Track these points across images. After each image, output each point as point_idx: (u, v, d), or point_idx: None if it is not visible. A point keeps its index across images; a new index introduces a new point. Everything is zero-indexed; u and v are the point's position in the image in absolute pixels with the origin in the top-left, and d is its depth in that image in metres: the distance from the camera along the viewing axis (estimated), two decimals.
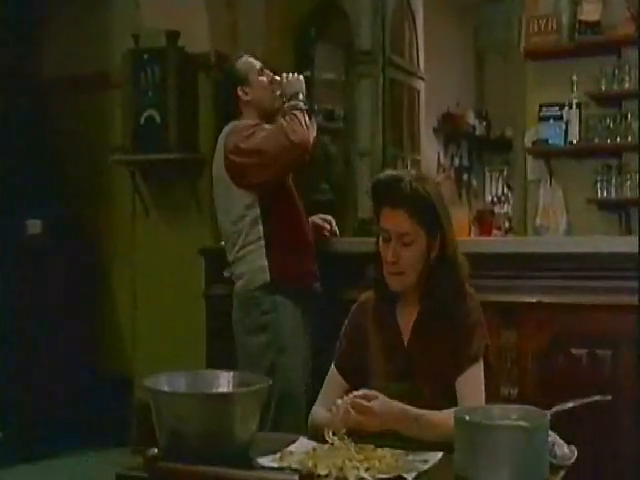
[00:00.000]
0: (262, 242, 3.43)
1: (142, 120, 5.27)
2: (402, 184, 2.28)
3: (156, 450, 1.94)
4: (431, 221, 2.31)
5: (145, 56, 5.31)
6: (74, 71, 5.85)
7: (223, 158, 3.46)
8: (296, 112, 3.39)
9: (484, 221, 7.27)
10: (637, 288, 3.17)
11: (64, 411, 5.47)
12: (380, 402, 2.16)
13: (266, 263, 3.42)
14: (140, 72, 5.29)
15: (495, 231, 7.32)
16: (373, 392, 2.20)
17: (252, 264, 3.45)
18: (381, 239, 2.34)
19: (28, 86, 5.88)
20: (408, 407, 2.19)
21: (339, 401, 2.20)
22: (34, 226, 5.55)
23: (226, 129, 3.54)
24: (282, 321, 3.39)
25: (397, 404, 2.18)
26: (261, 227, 3.43)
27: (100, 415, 5.51)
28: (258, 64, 3.63)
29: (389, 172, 2.39)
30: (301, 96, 3.46)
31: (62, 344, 5.55)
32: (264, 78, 3.58)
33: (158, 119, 5.24)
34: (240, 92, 3.55)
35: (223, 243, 3.64)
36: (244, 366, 3.36)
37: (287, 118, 3.38)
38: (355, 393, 2.20)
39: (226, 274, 3.65)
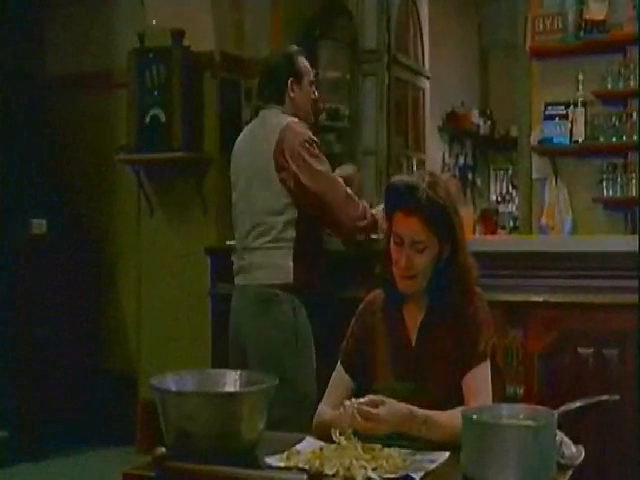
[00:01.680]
0: (292, 244, 3.36)
1: (147, 119, 5.27)
2: (418, 192, 2.26)
3: (164, 449, 1.95)
4: (444, 227, 2.31)
5: (150, 55, 5.30)
6: (79, 70, 5.87)
7: (273, 148, 3.35)
8: (377, 220, 3.38)
9: (489, 220, 7.29)
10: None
11: (68, 410, 5.48)
12: (387, 408, 2.15)
13: (291, 264, 3.35)
14: (145, 71, 5.29)
15: (500, 230, 7.34)
16: (379, 397, 2.18)
17: (278, 260, 3.37)
18: (392, 242, 2.34)
19: (32, 85, 5.89)
20: (415, 408, 2.18)
21: (347, 402, 2.19)
22: (39, 226, 5.55)
23: (275, 117, 3.44)
24: (300, 322, 3.37)
25: (404, 406, 2.17)
26: (294, 230, 3.36)
27: (104, 414, 5.53)
28: (313, 74, 3.61)
29: (403, 178, 2.36)
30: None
31: (66, 343, 5.56)
32: (312, 90, 3.56)
33: (163, 118, 5.24)
34: (290, 84, 3.48)
35: (235, 220, 3.56)
36: (255, 365, 3.32)
37: (372, 211, 3.41)
38: (360, 400, 2.18)
39: (234, 259, 3.59)
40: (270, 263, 3.40)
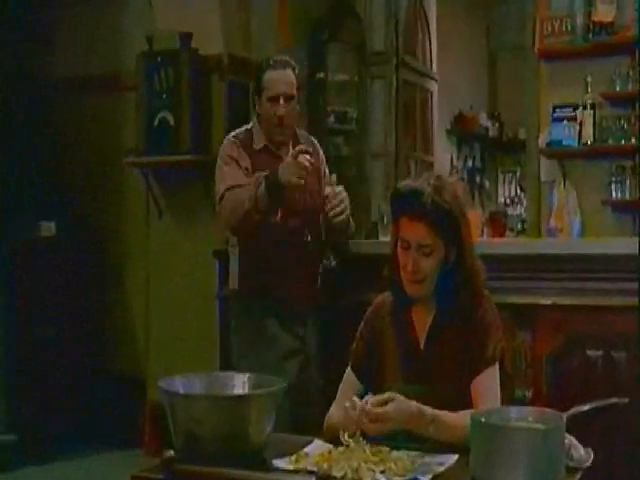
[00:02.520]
0: (237, 250, 3.48)
1: (155, 122, 5.28)
2: (424, 197, 2.27)
3: (172, 452, 1.95)
4: (450, 231, 2.31)
5: (158, 58, 5.31)
6: (86, 72, 5.87)
7: None
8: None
9: (497, 223, 7.26)
10: None
11: (74, 412, 5.49)
12: (395, 405, 2.15)
13: (237, 271, 3.46)
14: (153, 74, 5.30)
15: (508, 232, 7.32)
16: (387, 395, 2.19)
17: (232, 267, 3.51)
18: (399, 247, 2.34)
19: (40, 87, 5.90)
20: (425, 407, 2.18)
21: (355, 399, 2.20)
22: (48, 228, 5.56)
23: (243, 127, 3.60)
24: (243, 327, 3.43)
25: (413, 404, 2.18)
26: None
27: (111, 416, 5.53)
28: (278, 89, 3.42)
29: (409, 183, 2.36)
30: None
31: (74, 345, 5.57)
32: (271, 107, 3.42)
33: (171, 121, 5.25)
34: (255, 97, 3.53)
35: None
36: None
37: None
38: (369, 400, 2.18)
39: None
40: (231, 269, 3.52)
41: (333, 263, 3.51)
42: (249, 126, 3.58)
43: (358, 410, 2.14)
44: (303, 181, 3.22)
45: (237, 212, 3.28)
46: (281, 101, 3.41)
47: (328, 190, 3.37)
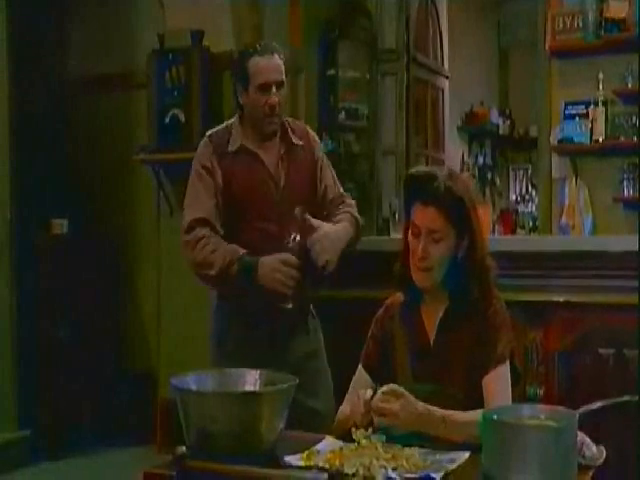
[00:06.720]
0: None
1: (167, 119, 5.30)
2: (436, 182, 2.29)
3: (184, 448, 1.96)
4: (461, 221, 2.32)
5: (170, 56, 5.33)
6: (99, 70, 5.89)
7: None
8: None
9: (507, 220, 7.27)
10: None
11: (89, 409, 5.51)
12: (404, 403, 2.15)
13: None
14: (165, 72, 5.32)
15: (519, 230, 7.31)
16: (400, 390, 2.19)
17: None
18: (410, 234, 2.35)
19: (53, 85, 5.92)
20: (433, 408, 2.18)
21: (362, 391, 2.21)
22: (60, 225, 5.58)
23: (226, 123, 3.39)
24: (226, 330, 3.31)
25: (421, 405, 2.18)
26: None
27: (125, 413, 5.55)
28: (269, 77, 3.14)
29: (423, 168, 2.40)
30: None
31: (87, 343, 5.58)
32: (260, 96, 3.15)
33: (183, 118, 5.26)
34: (238, 88, 3.25)
35: None
36: None
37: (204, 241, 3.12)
38: (383, 389, 2.18)
39: None
40: None
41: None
42: (230, 122, 3.34)
43: (362, 403, 2.15)
44: (291, 291, 2.97)
45: (206, 274, 3.16)
46: (273, 89, 3.15)
47: (315, 228, 3.01)
